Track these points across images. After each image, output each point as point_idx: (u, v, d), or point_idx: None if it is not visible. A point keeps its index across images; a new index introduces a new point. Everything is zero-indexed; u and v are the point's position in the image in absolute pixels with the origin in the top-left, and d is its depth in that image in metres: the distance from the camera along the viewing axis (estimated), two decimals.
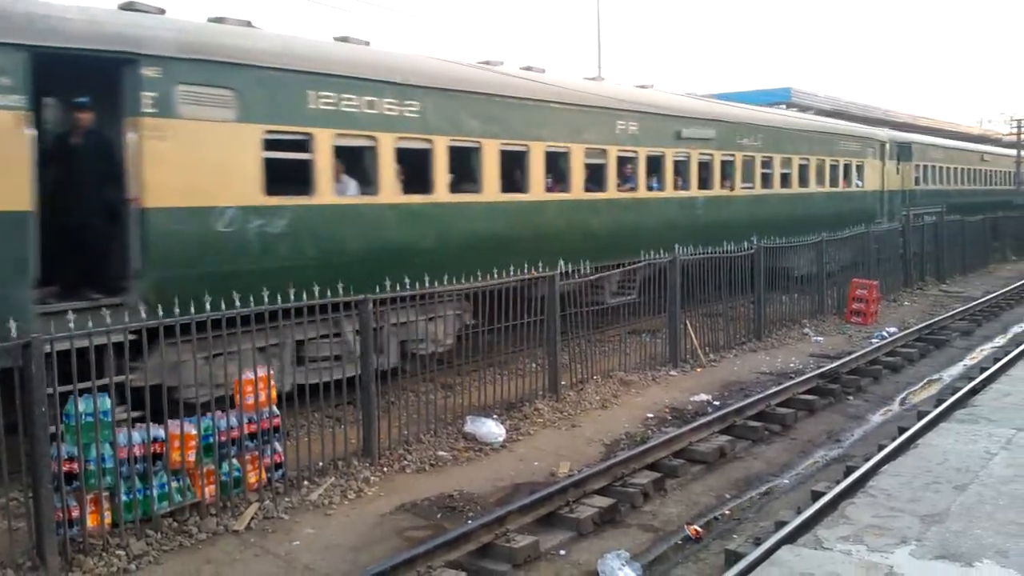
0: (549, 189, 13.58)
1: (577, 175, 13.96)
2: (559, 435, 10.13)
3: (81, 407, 6.67)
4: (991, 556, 5.41)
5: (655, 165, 15.97)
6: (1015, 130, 47.96)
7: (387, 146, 10.82)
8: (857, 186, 23.86)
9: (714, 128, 17.52)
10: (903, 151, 27.47)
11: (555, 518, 7.67)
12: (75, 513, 6.63)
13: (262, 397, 7.78)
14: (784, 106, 28.65)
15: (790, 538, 6.23)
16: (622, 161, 15.08)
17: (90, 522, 6.69)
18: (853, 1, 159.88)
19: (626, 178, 15.23)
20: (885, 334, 16.06)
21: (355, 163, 10.77)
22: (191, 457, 7.31)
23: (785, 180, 20.22)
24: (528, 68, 14.43)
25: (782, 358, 14.40)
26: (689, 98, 19.02)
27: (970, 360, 14.89)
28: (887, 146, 25.92)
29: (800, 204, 20.67)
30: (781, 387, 11.75)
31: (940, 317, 17.87)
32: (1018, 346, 13.92)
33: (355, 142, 10.61)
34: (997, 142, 47.80)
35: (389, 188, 10.94)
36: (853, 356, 13.76)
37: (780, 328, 16.35)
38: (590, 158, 14.21)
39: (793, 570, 5.25)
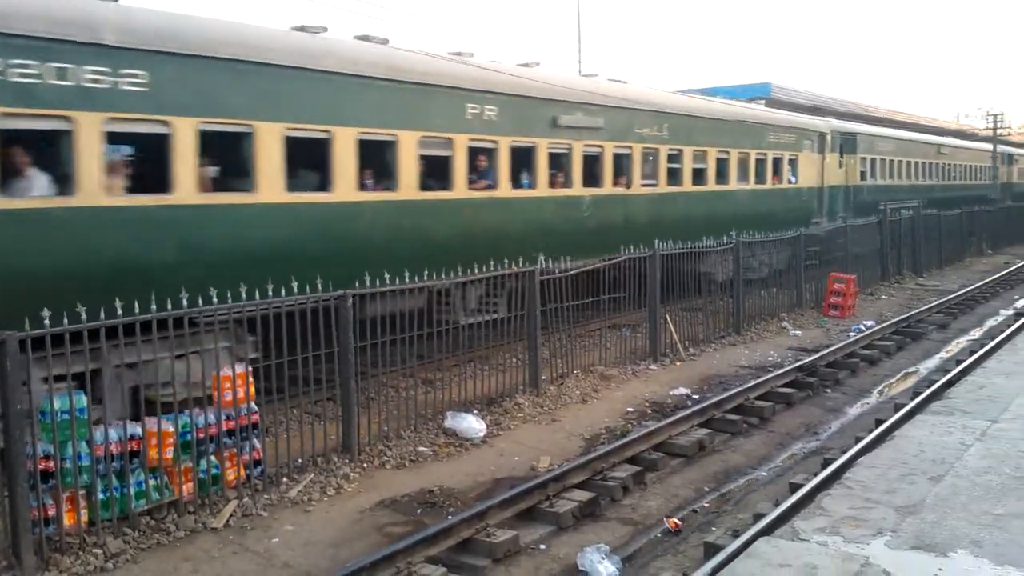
0: (366, 187, 11.03)
1: (408, 169, 11.35)
2: (539, 430, 10.15)
3: (57, 405, 6.60)
4: (965, 546, 5.48)
5: (524, 158, 13.54)
6: (991, 125, 48.35)
7: (92, 130, 8.13)
8: (790, 182, 21.57)
9: (604, 115, 15.01)
10: (847, 143, 25.21)
11: (535, 512, 7.69)
12: (51, 511, 6.58)
13: (240, 393, 7.74)
14: (763, 101, 28.73)
15: (767, 530, 6.28)
16: (475, 153, 12.53)
17: (66, 520, 6.64)
18: (835, 3, 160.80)
19: (482, 173, 12.74)
20: (862, 327, 16.20)
21: (46, 153, 8.28)
22: (168, 454, 7.26)
23: (699, 176, 17.79)
24: (365, 37, 11.89)
25: (760, 351, 14.49)
26: (572, 78, 15.79)
27: (946, 353, 15.04)
28: (828, 138, 23.56)
29: (719, 203, 18.30)
30: (759, 380, 11.82)
31: (917, 310, 18.04)
32: (993, 339, 14.09)
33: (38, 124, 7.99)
34: (973, 136, 48.09)
35: (94, 186, 8.21)
36: (831, 349, 13.86)
37: (759, 322, 16.45)
38: (428, 149, 11.67)
39: (770, 561, 5.29)
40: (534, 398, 11.01)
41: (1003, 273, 25.00)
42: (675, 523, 7.68)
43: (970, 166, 39.71)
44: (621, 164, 15.65)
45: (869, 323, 16.72)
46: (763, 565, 5.26)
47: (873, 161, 27.25)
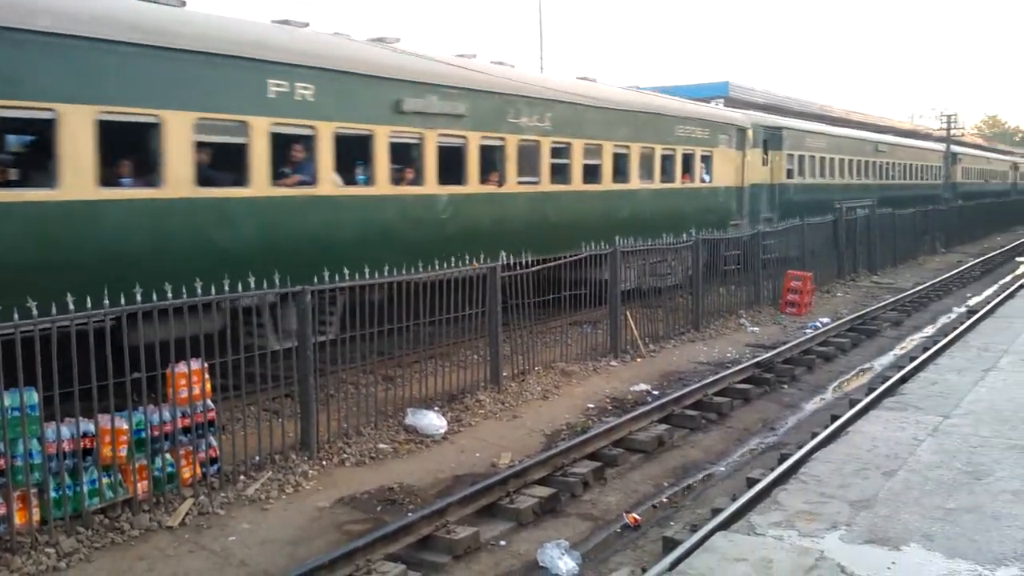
0: (110, 182, 8.81)
1: (178, 161, 9.14)
2: (501, 426, 10.15)
3: (7, 401, 6.46)
4: (917, 540, 5.57)
5: (357, 150, 11.34)
6: (944, 125, 49.25)
7: None
8: (704, 181, 19.45)
9: (467, 101, 12.72)
10: (772, 138, 23.48)
11: (496, 509, 7.69)
12: (2, 510, 6.44)
13: (196, 390, 7.63)
14: (722, 100, 29.00)
15: (724, 524, 6.35)
16: (283, 142, 10.36)
17: (18, 519, 6.50)
18: (794, 2, 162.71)
19: (298, 167, 10.67)
20: (819, 324, 16.45)
21: None
22: (122, 452, 7.13)
23: (592, 173, 15.54)
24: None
25: (719, 348, 14.63)
26: (422, 58, 12.68)
27: (900, 349, 15.32)
28: (749, 133, 21.65)
29: (617, 204, 16.18)
30: (718, 376, 11.95)
31: (872, 308, 18.35)
32: (946, 336, 14.37)
33: None
34: (927, 136, 48.94)
35: None
36: (788, 346, 14.05)
37: (718, 319, 16.61)
38: (210, 134, 9.53)
39: (727, 556, 5.34)
40: (495, 394, 11.01)
41: (956, 271, 25.54)
42: (634, 518, 7.74)
43: (915, 165, 37.76)
44: (491, 158, 13.40)
45: (825, 320, 16.97)
46: (720, 559, 5.31)
47: (802, 158, 25.46)
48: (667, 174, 17.99)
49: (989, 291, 22.21)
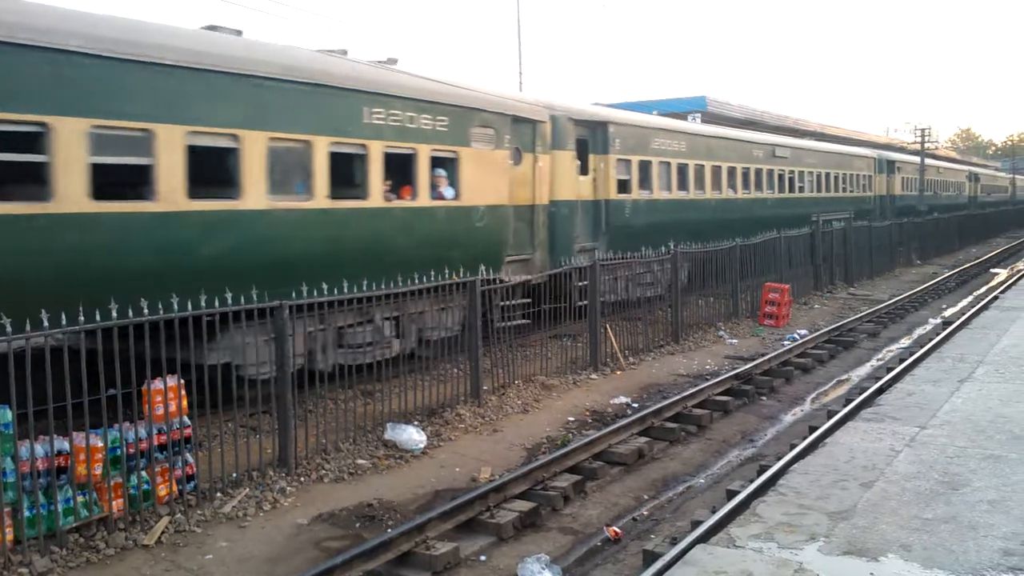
0: None
1: None
2: (481, 440, 10.12)
3: None
4: (895, 551, 5.60)
5: None
6: (919, 139, 49.79)
7: None
8: (445, 197, 12.70)
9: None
10: (595, 138, 17.24)
11: (476, 524, 7.66)
12: None
13: (172, 407, 7.56)
14: (699, 115, 29.22)
15: (704, 537, 6.35)
16: None
17: None
18: (771, 18, 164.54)
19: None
20: (796, 336, 16.55)
21: None
22: (97, 470, 7.06)
23: (290, 179, 10.52)
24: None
25: (698, 360, 14.69)
26: None
27: (877, 361, 15.43)
28: (546, 128, 15.22)
29: (354, 227, 11.22)
30: (697, 388, 11.99)
31: (849, 319, 18.48)
32: (922, 347, 14.49)
33: None
34: (902, 150, 49.27)
35: None
36: (766, 357, 14.12)
37: (697, 331, 16.67)
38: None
39: (706, 569, 5.34)
40: (475, 409, 10.98)
41: (931, 283, 25.79)
42: (615, 531, 7.73)
43: (834, 175, 31.09)
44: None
45: (803, 332, 17.08)
46: (699, 572, 5.31)
47: (646, 166, 18.81)
48: (354, 185, 11.42)
49: (964, 302, 22.44)
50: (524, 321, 12.98)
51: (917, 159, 45.10)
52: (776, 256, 20.47)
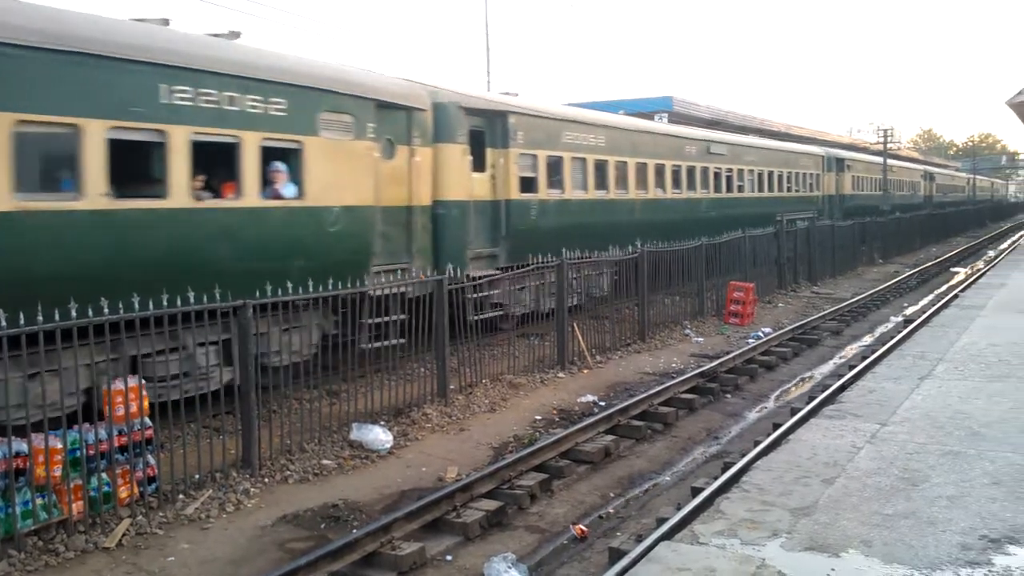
0: None
1: None
2: (447, 440, 10.10)
3: None
4: (856, 546, 5.66)
5: None
6: (881, 139, 50.46)
7: None
8: (281, 196, 10.62)
9: None
10: (492, 130, 15.10)
11: (442, 523, 7.65)
12: None
13: (133, 408, 7.46)
14: (666, 115, 29.39)
15: (669, 534, 6.38)
16: None
17: None
18: (738, 20, 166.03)
19: None
20: (761, 334, 16.71)
21: None
22: (57, 472, 6.95)
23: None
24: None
25: (664, 358, 14.78)
26: None
27: (840, 358, 15.63)
28: (426, 116, 13.12)
29: (149, 233, 9.16)
30: (663, 387, 12.05)
31: (812, 317, 18.70)
32: (883, 345, 14.70)
33: None
34: (865, 150, 49.86)
35: None
36: (731, 356, 14.24)
37: (663, 329, 16.77)
38: None
39: (670, 566, 5.37)
40: (442, 408, 10.95)
41: (893, 281, 26.18)
42: (581, 530, 7.75)
43: (778, 173, 29.23)
44: None
45: (767, 330, 17.25)
46: (663, 569, 5.34)
47: (556, 163, 16.85)
48: (149, 180, 9.41)
49: (925, 301, 22.79)
50: (399, 340, 10.80)
51: (868, 157, 43.77)
52: (740, 255, 20.65)
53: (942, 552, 5.54)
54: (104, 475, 7.26)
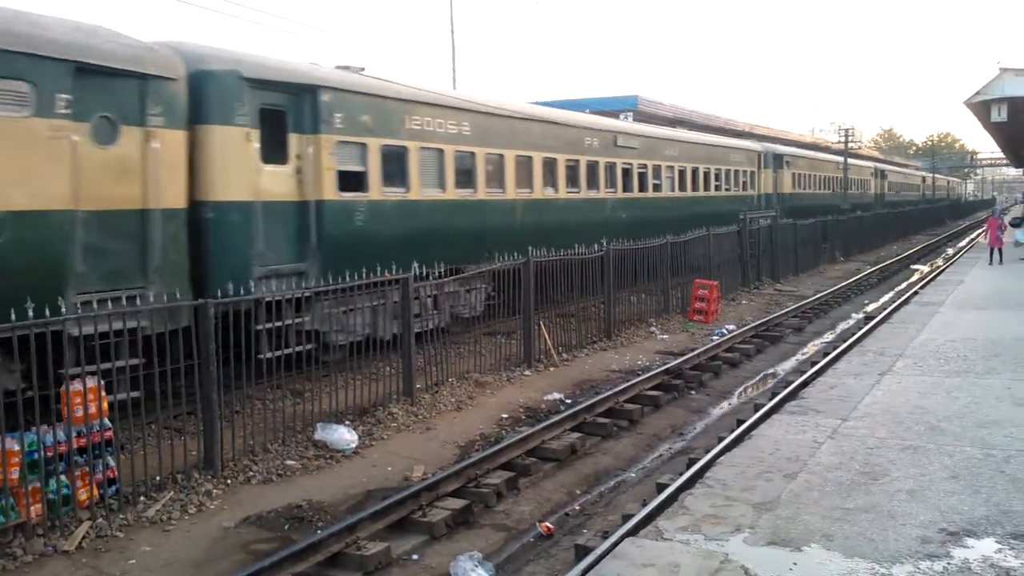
0: None
1: None
2: (413, 439, 10.06)
3: None
4: (818, 540, 5.74)
5: None
6: (842, 139, 51.13)
7: None
8: None
9: None
10: (301, 111, 11.92)
11: (408, 523, 7.62)
12: None
13: (92, 409, 7.34)
14: (631, 114, 29.48)
15: (634, 531, 6.41)
16: None
17: None
18: (705, 21, 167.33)
19: None
20: (725, 331, 16.86)
21: None
22: (14, 474, 6.83)
23: None
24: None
25: (630, 356, 14.85)
26: None
27: (802, 355, 15.82)
28: (183, 89, 10.19)
29: None
30: (629, 384, 12.11)
31: (775, 314, 18.90)
32: (845, 341, 14.89)
33: None
34: (827, 150, 50.48)
35: None
36: (695, 353, 14.35)
37: (629, 327, 16.85)
38: None
39: (635, 562, 5.40)
40: (408, 407, 10.91)
41: (854, 279, 26.55)
42: (547, 527, 7.76)
43: (704, 170, 26.15)
44: None
45: (731, 327, 17.40)
46: (628, 566, 5.37)
47: (395, 154, 13.55)
48: None
49: (885, 298, 23.15)
50: (133, 394, 8.17)
51: (811, 153, 41.11)
52: (705, 253, 20.80)
53: (902, 545, 5.62)
54: (63, 477, 7.15)
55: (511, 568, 7.06)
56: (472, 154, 15.51)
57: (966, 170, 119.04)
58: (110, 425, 7.60)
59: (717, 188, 27.40)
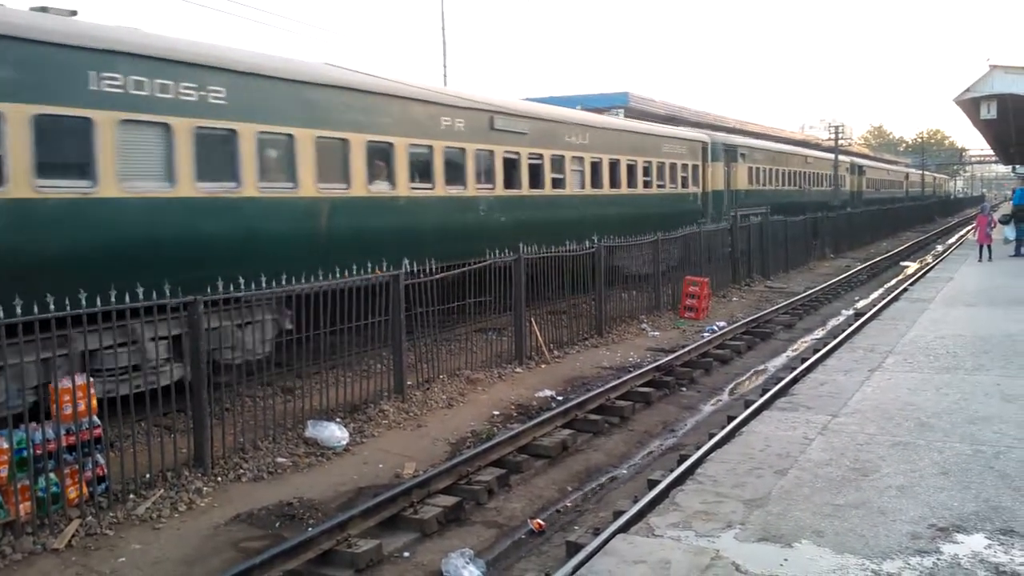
0: None
1: None
2: (404, 436, 10.05)
3: None
4: (808, 536, 5.75)
5: None
6: (832, 136, 51.26)
7: None
8: None
9: None
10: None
11: (399, 520, 7.61)
12: None
13: (81, 406, 7.30)
14: (622, 110, 29.43)
15: (625, 527, 6.42)
16: None
17: None
18: (699, 19, 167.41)
19: None
20: (715, 328, 16.89)
21: None
22: (3, 473, 6.81)
23: None
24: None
25: (621, 352, 14.86)
26: None
27: (792, 351, 15.85)
28: None
29: None
30: (620, 380, 12.12)
31: (765, 311, 18.95)
32: (835, 338, 14.93)
33: None
34: (817, 147, 50.56)
35: None
36: (686, 349, 14.37)
37: (620, 324, 16.87)
38: None
39: (626, 558, 5.41)
40: (399, 404, 10.90)
41: (844, 276, 26.63)
42: (539, 524, 7.76)
43: (624, 162, 21.27)
44: None
45: (722, 324, 17.44)
46: (619, 562, 5.37)
47: (74, 126, 9.15)
48: None
49: (875, 294, 23.22)
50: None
51: (768, 144, 35.70)
52: (697, 250, 20.82)
53: (892, 541, 5.63)
54: (52, 475, 7.11)
55: (502, 565, 7.06)
56: (231, 135, 10.87)
57: (955, 167, 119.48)
58: (99, 423, 7.56)
59: (646, 185, 22.63)
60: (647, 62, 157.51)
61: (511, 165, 16.84)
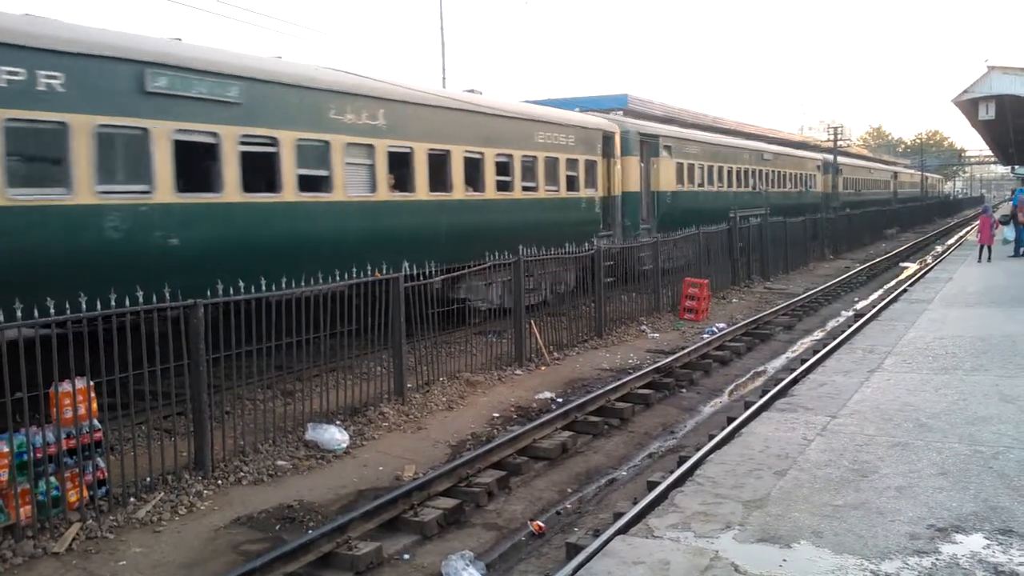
0: None
1: None
2: (404, 438, 10.06)
3: None
4: (807, 537, 5.76)
5: None
6: (831, 137, 51.28)
7: None
8: None
9: None
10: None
11: (399, 522, 7.62)
12: None
13: (81, 410, 7.31)
14: (621, 112, 29.44)
15: (624, 529, 6.43)
16: None
17: None
18: (698, 20, 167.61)
19: None
20: (715, 329, 16.89)
21: None
22: (3, 476, 6.80)
23: None
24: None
25: (621, 354, 14.87)
26: None
27: (792, 353, 15.86)
28: None
29: None
30: (620, 382, 12.13)
31: (765, 312, 18.96)
32: (834, 339, 14.95)
33: None
34: (815, 148, 50.56)
35: None
36: (686, 351, 14.38)
37: (620, 326, 16.88)
38: None
39: (625, 560, 5.42)
40: (399, 406, 10.91)
41: (844, 277, 26.64)
42: (539, 526, 7.77)
43: (486, 157, 15.92)
44: None
45: (721, 325, 17.45)
46: (618, 563, 5.38)
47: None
48: None
49: (874, 295, 23.23)
50: None
51: (705, 135, 29.57)
52: (697, 251, 20.82)
53: (891, 542, 5.64)
54: (53, 479, 7.12)
55: (502, 567, 7.07)
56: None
57: (954, 168, 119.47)
58: (99, 426, 7.57)
59: (503, 187, 16.61)
60: (648, 65, 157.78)
61: (256, 159, 11.25)
